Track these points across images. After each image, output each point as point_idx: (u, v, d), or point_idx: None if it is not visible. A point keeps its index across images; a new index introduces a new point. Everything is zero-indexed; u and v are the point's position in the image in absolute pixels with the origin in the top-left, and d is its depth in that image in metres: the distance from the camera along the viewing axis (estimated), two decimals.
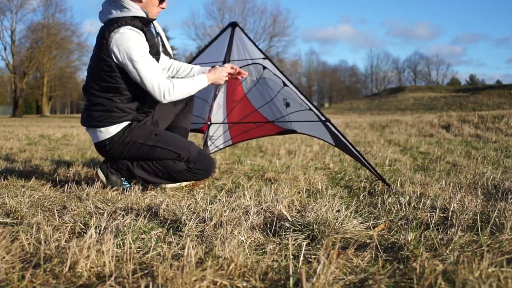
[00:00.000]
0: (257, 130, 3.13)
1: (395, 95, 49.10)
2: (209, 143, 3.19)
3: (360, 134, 7.65)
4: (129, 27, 2.26)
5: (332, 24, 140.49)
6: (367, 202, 2.16)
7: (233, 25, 2.96)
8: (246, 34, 2.85)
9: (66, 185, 2.43)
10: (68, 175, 3.02)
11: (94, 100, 2.35)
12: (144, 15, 2.33)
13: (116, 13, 2.29)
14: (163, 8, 2.42)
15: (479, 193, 2.26)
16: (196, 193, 2.39)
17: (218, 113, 3.16)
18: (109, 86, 2.31)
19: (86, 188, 2.35)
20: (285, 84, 2.73)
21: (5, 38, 46.16)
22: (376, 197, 2.26)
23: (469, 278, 1.06)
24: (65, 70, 43.50)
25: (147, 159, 2.41)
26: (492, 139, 6.32)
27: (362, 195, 2.34)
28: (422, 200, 2.05)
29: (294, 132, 2.94)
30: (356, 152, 2.53)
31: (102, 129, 2.36)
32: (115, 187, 2.42)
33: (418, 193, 2.27)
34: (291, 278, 1.12)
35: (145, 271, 1.20)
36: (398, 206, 2.00)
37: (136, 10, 2.30)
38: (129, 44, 2.23)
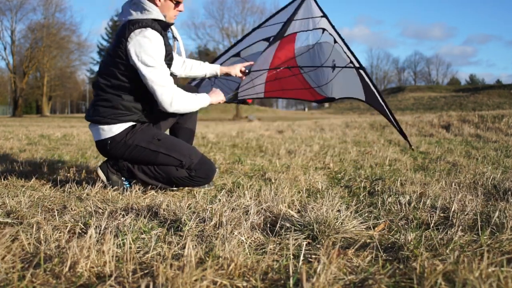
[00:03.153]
0: (294, 92, 3.02)
1: (395, 95, 49.09)
2: (240, 89, 3.07)
3: (360, 134, 7.65)
4: (150, 29, 2.26)
5: (348, 26, 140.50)
6: (367, 202, 2.16)
7: None
8: (316, 2, 2.87)
9: (66, 185, 2.42)
10: (68, 175, 3.02)
11: (102, 95, 2.36)
12: (163, 18, 2.35)
13: (136, 15, 2.29)
14: (180, 11, 2.42)
15: (479, 193, 2.25)
16: (196, 193, 2.39)
17: (262, 65, 3.05)
18: (120, 85, 2.33)
19: (86, 188, 2.35)
20: (335, 41, 2.71)
21: (5, 38, 46.36)
22: (376, 197, 2.26)
23: (469, 278, 1.06)
24: (65, 70, 43.56)
25: (148, 163, 2.41)
26: (492, 139, 6.32)
27: (362, 195, 2.34)
28: (422, 200, 2.05)
29: (333, 99, 2.86)
30: (386, 109, 2.47)
31: (105, 126, 2.36)
32: (116, 187, 2.42)
33: (418, 193, 2.27)
34: (291, 278, 1.12)
35: (145, 271, 1.20)
36: (398, 206, 2.00)
37: (156, 13, 2.31)
38: (147, 48, 2.23)
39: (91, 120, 2.42)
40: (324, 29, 2.83)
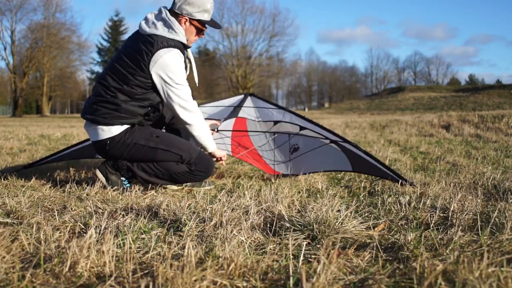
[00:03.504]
0: (255, 161, 3.22)
1: (395, 95, 49.09)
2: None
3: (360, 134, 7.65)
4: (177, 50, 2.31)
5: (350, 25, 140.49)
6: (367, 202, 2.16)
7: (250, 94, 3.19)
8: (262, 98, 3.05)
9: (66, 185, 2.42)
10: (68, 175, 3.02)
11: (106, 97, 2.32)
12: (186, 42, 2.39)
13: (163, 31, 2.31)
14: (200, 37, 2.50)
15: (479, 193, 2.25)
16: (196, 193, 2.39)
17: (225, 126, 3.25)
18: (131, 92, 2.31)
19: (86, 188, 2.35)
20: (302, 128, 2.80)
21: (5, 38, 46.20)
22: (376, 197, 2.26)
23: (469, 278, 1.06)
24: (65, 70, 43.53)
25: (148, 160, 2.41)
26: (492, 139, 6.32)
27: (362, 195, 2.34)
28: (422, 200, 2.05)
29: (294, 175, 2.98)
30: (381, 167, 2.50)
31: (105, 127, 2.34)
32: (115, 187, 2.42)
33: (418, 193, 2.27)
34: (291, 278, 1.12)
35: (145, 271, 1.20)
36: (398, 206, 2.00)
37: (182, 36, 2.36)
38: (174, 68, 2.29)
39: (90, 119, 2.37)
40: (277, 122, 2.96)
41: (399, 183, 2.50)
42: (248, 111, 3.19)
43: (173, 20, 2.34)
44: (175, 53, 2.30)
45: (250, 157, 3.25)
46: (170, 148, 2.39)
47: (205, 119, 3.05)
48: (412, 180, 2.49)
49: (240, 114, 3.18)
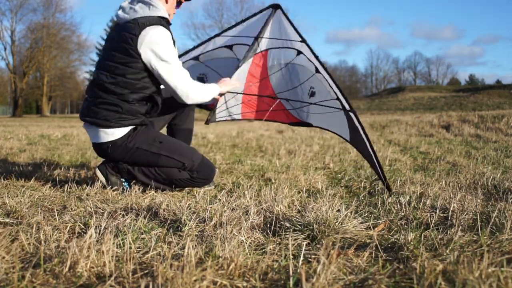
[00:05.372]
0: (270, 114, 2.97)
1: (395, 95, 49.04)
2: (218, 110, 3.03)
3: None
4: (161, 27, 2.28)
5: (359, 26, 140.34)
6: (367, 202, 2.16)
7: (276, 6, 2.91)
8: (287, 17, 2.79)
9: (66, 185, 2.42)
10: (68, 175, 3.02)
11: (105, 97, 2.28)
12: (168, 17, 2.38)
13: (142, 12, 2.29)
14: (177, 8, 2.54)
15: (479, 193, 2.25)
16: (196, 193, 2.39)
17: (239, 75, 3.01)
18: (126, 82, 2.26)
19: (86, 188, 2.35)
20: (317, 71, 2.61)
21: (5, 38, 45.95)
22: (376, 197, 2.26)
23: (469, 278, 1.06)
24: (65, 70, 43.55)
25: (149, 165, 2.39)
26: (492, 139, 6.32)
27: (362, 195, 2.34)
28: (422, 200, 2.05)
29: (309, 125, 2.79)
30: (372, 152, 2.37)
31: (108, 130, 2.30)
32: (115, 187, 2.41)
33: (418, 193, 2.27)
34: (291, 278, 1.12)
35: (145, 271, 1.20)
36: (398, 206, 2.00)
37: (163, 11, 2.34)
38: (162, 44, 2.24)
39: (90, 122, 2.34)
40: (300, 52, 2.75)
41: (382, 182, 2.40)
42: (271, 41, 2.88)
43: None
44: (160, 29, 2.26)
45: (262, 109, 2.98)
46: (173, 154, 2.36)
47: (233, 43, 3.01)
48: (390, 186, 2.39)
49: (261, 47, 2.90)
